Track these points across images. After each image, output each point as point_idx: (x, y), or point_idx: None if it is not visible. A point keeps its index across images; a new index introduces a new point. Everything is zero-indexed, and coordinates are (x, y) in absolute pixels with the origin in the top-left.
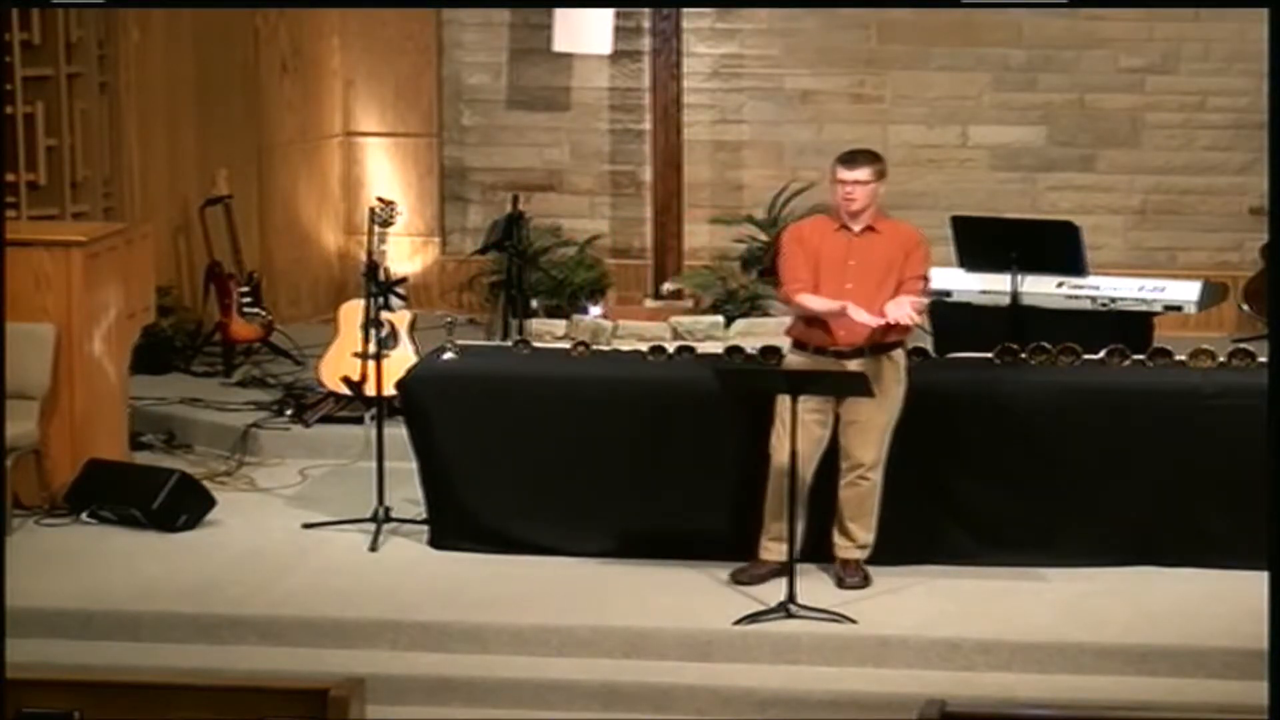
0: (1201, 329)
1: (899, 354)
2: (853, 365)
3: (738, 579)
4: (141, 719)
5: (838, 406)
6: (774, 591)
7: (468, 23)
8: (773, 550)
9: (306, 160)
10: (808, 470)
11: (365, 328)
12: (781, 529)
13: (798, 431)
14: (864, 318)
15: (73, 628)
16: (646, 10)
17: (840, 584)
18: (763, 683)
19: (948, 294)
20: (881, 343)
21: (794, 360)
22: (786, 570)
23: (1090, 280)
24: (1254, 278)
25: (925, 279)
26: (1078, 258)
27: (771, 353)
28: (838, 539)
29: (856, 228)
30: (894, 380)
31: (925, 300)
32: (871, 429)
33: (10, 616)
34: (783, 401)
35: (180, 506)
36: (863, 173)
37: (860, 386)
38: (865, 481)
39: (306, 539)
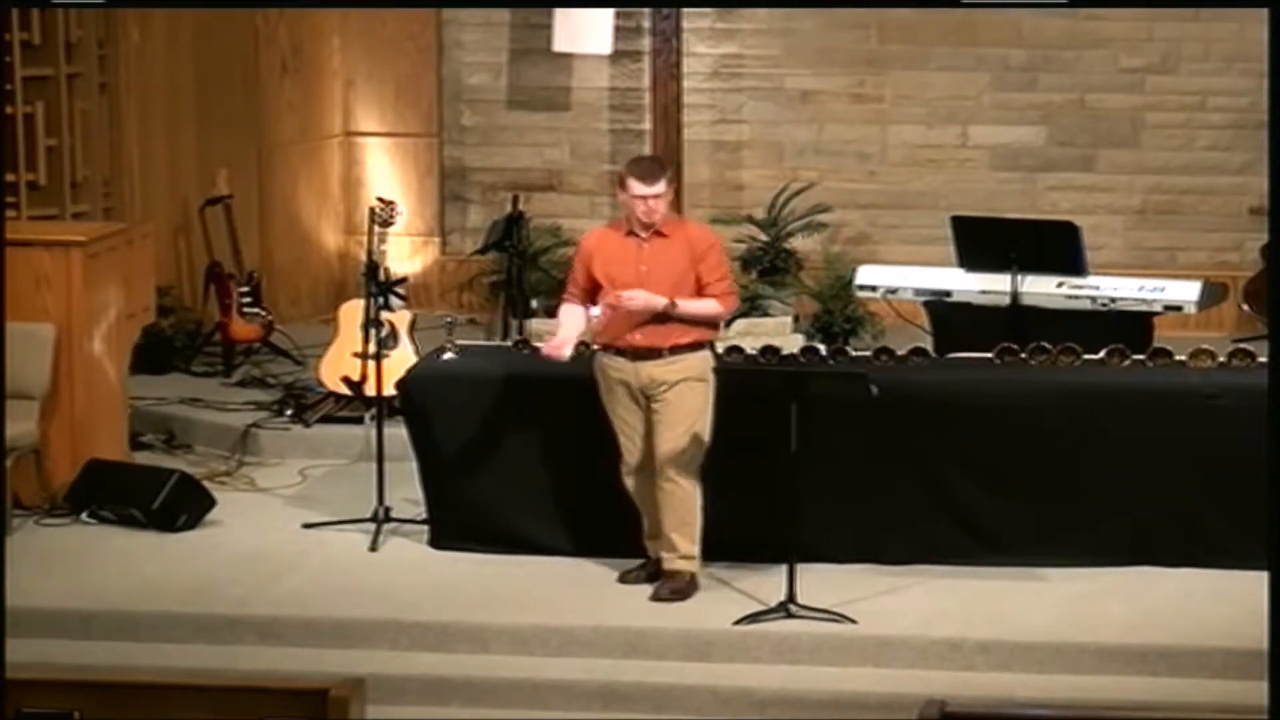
0: (1201, 329)
1: (705, 355)
2: (649, 366)
3: (625, 579)
4: (141, 719)
5: (648, 407)
6: (774, 591)
7: (468, 23)
8: (650, 548)
9: (306, 160)
10: (638, 472)
11: (365, 328)
12: (646, 527)
13: (632, 436)
14: (643, 300)
15: (73, 628)
16: (646, 10)
17: (655, 595)
18: (763, 683)
19: (948, 294)
20: (680, 344)
21: (600, 362)
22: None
23: (1090, 280)
24: (1254, 278)
25: (726, 277)
26: (1078, 258)
27: (771, 352)
28: (665, 551)
29: (645, 234)
30: (696, 381)
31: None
32: (668, 429)
33: (10, 616)
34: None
35: (180, 506)
36: (661, 186)
37: (859, 387)
38: (668, 485)
39: (306, 539)
